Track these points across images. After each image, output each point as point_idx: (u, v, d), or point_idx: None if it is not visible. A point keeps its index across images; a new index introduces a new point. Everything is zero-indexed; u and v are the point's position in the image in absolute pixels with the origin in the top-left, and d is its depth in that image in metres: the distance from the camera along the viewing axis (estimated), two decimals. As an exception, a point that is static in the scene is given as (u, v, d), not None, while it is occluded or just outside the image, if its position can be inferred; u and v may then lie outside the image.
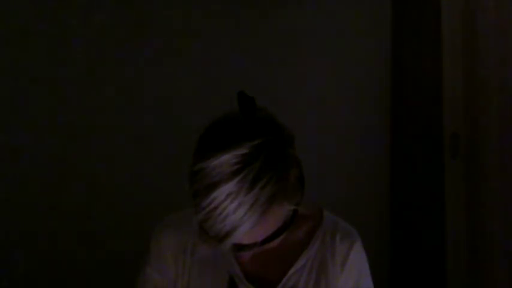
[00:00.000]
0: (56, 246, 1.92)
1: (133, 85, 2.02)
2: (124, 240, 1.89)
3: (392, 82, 2.22)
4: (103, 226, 1.94)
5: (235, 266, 0.96)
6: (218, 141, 0.78)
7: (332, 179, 2.10)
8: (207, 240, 0.79)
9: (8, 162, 1.90)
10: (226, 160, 0.75)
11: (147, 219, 1.15)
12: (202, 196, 0.76)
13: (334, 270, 0.98)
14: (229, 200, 0.74)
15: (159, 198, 1.87)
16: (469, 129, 1.79)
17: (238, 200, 0.74)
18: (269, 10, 2.13)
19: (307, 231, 1.01)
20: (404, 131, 2.15)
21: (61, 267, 1.91)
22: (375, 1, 2.22)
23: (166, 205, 1.19)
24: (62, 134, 1.96)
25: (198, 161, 0.78)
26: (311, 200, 0.96)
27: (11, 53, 1.93)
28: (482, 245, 1.72)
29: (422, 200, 2.00)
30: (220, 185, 0.74)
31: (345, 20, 2.18)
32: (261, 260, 0.95)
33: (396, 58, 2.21)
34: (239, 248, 0.80)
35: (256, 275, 0.97)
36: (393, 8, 2.23)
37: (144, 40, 2.03)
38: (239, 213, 0.74)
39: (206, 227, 0.77)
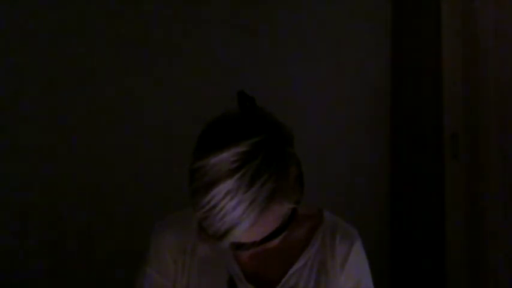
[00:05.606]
0: (56, 246, 1.92)
1: (133, 85, 2.02)
2: (123, 240, 1.89)
3: (392, 82, 2.22)
4: (102, 226, 1.94)
5: (235, 266, 0.96)
6: (217, 139, 0.77)
7: (332, 179, 2.10)
8: (207, 239, 0.79)
9: (8, 162, 1.90)
10: (225, 158, 0.75)
11: (146, 219, 1.15)
12: (201, 194, 0.75)
13: (334, 270, 0.98)
14: (228, 198, 0.73)
15: (159, 198, 1.88)
16: (469, 129, 1.79)
17: (237, 198, 0.73)
18: (269, 10, 2.13)
19: (307, 231, 1.00)
20: (404, 131, 2.15)
21: (60, 267, 1.91)
22: (375, 1, 2.23)
23: (166, 205, 1.19)
24: (62, 134, 1.96)
25: (197, 159, 0.78)
26: (311, 200, 0.96)
27: (11, 53, 1.93)
28: (482, 244, 1.72)
29: (422, 200, 2.00)
30: (219, 183, 0.74)
31: (345, 20, 2.19)
32: (261, 259, 0.94)
33: (396, 58, 2.21)
34: (238, 246, 0.80)
35: (256, 275, 0.96)
36: (393, 8, 2.23)
37: (144, 40, 2.03)
38: (238, 211, 0.74)
39: (205, 225, 0.77)
